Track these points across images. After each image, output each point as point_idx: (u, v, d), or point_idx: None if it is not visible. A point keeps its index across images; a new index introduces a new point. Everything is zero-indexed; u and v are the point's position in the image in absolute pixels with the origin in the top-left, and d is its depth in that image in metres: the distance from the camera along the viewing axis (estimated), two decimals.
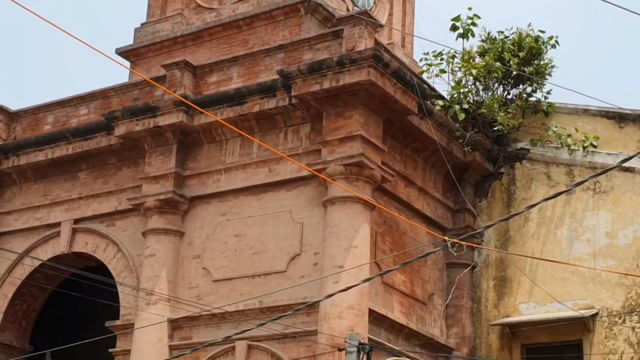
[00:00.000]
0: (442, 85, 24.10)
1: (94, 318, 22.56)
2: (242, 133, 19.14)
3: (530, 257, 21.35)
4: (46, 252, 23.12)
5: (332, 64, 19.58)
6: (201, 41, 24.96)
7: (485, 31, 23.45)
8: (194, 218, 21.36)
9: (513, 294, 21.99)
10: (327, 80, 19.68)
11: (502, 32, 23.27)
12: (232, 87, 21.38)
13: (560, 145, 22.18)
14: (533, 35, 23.07)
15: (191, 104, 20.10)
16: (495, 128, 22.63)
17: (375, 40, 21.00)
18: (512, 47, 22.96)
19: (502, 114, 22.36)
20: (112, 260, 22.17)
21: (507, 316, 21.90)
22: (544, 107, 22.78)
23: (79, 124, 23.44)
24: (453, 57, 23.10)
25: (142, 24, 26.39)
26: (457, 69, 23.06)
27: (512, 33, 23.20)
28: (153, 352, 20.20)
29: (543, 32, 23.14)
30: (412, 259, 16.83)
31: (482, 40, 23.41)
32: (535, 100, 22.91)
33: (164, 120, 21.39)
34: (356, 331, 17.74)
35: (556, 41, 23.17)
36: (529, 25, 23.18)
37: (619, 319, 20.67)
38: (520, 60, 22.72)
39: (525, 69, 22.61)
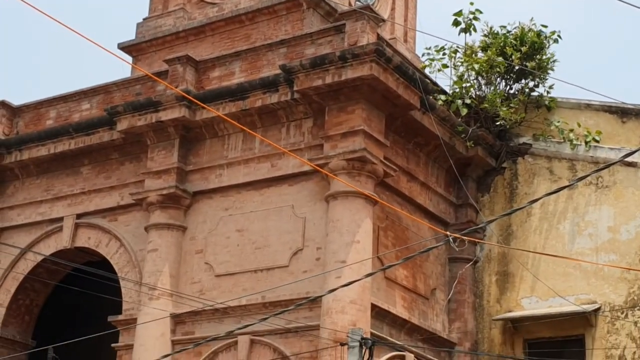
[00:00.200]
0: (445, 80, 24.15)
1: (96, 313, 22.57)
2: (244, 128, 19.13)
3: (532, 252, 21.35)
4: (49, 247, 23.13)
5: (335, 59, 19.57)
6: (203, 36, 24.91)
7: (487, 26, 23.46)
8: (196, 213, 21.36)
9: (515, 288, 21.98)
10: (329, 75, 19.68)
11: (505, 27, 23.28)
12: (235, 82, 21.38)
13: (562, 140, 22.17)
14: (535, 29, 23.05)
15: (193, 99, 20.14)
16: (498, 123, 22.62)
17: (378, 35, 20.99)
18: (514, 41, 22.93)
19: (504, 109, 22.35)
20: (114, 255, 22.17)
21: (510, 311, 21.90)
22: (547, 102, 22.76)
23: (82, 119, 23.45)
24: (455, 51, 23.07)
25: (144, 19, 26.35)
26: (459, 63, 23.04)
27: (515, 28, 23.20)
28: (156, 346, 20.19)
29: (545, 26, 23.15)
30: (414, 254, 16.84)
31: (485, 35, 23.39)
32: (538, 95, 22.89)
33: (166, 115, 21.40)
34: (358, 326, 17.76)
35: (559, 36, 23.17)
36: (531, 19, 23.22)
37: (622, 313, 20.68)
38: (522, 55, 22.70)
39: (527, 63, 22.58)
